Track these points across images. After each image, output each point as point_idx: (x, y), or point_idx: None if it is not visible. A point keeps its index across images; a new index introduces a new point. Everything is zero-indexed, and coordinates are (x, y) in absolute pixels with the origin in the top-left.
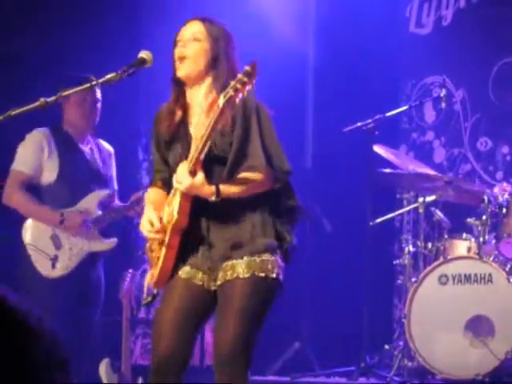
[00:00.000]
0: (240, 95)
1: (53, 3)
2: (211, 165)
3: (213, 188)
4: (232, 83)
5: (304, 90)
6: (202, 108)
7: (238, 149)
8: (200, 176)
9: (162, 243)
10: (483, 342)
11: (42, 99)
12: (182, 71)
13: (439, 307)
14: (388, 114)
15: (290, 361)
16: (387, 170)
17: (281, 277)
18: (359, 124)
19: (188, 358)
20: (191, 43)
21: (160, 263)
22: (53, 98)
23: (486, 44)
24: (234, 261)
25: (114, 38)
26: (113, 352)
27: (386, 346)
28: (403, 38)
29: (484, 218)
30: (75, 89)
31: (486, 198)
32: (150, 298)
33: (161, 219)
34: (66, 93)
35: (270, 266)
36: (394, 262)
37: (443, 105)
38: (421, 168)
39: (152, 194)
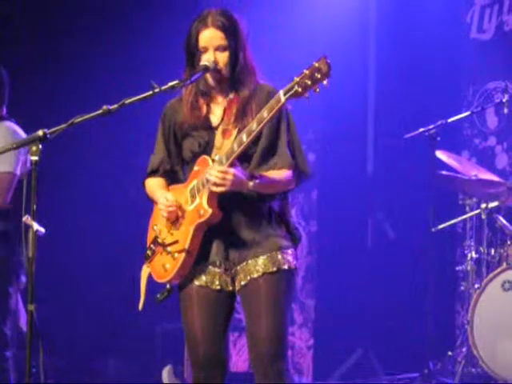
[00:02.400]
0: (307, 94)
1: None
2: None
3: (252, 179)
4: (296, 79)
5: (366, 96)
6: (223, 103)
7: (266, 147)
8: (239, 168)
9: (174, 230)
10: None
11: (104, 107)
12: (215, 81)
13: (502, 313)
14: (450, 120)
15: (353, 366)
16: (449, 174)
17: (296, 264)
18: (421, 130)
19: (226, 359)
20: (219, 53)
21: (181, 259)
22: (115, 106)
23: None
24: (253, 260)
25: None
26: (175, 358)
27: (449, 353)
28: (465, 44)
29: None
30: (139, 96)
31: None
32: (165, 293)
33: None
34: (129, 100)
35: (287, 259)
36: (457, 269)
37: (505, 110)
38: (483, 174)
39: (153, 183)
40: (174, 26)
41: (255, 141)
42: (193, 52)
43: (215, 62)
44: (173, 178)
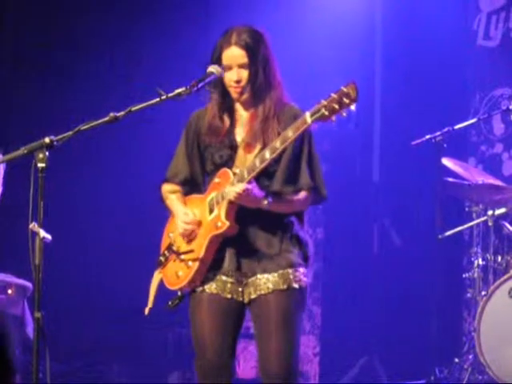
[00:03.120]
0: (334, 118)
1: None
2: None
3: (266, 197)
4: (324, 102)
5: (371, 103)
6: (247, 118)
7: (288, 167)
8: (255, 185)
9: (189, 240)
10: None
11: (111, 114)
12: (239, 95)
13: (509, 320)
14: (456, 127)
15: (358, 375)
16: (456, 180)
17: (307, 282)
18: (428, 137)
19: (233, 366)
20: (242, 71)
21: (195, 267)
22: (122, 113)
23: None
24: (265, 275)
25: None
26: (184, 363)
27: (456, 360)
28: (471, 51)
29: None
30: (145, 104)
31: None
32: (177, 301)
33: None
34: (135, 108)
35: (298, 278)
36: (464, 276)
37: None
38: (490, 181)
39: (171, 191)
40: (182, 32)
41: (277, 159)
42: None
43: (236, 89)
44: (191, 186)
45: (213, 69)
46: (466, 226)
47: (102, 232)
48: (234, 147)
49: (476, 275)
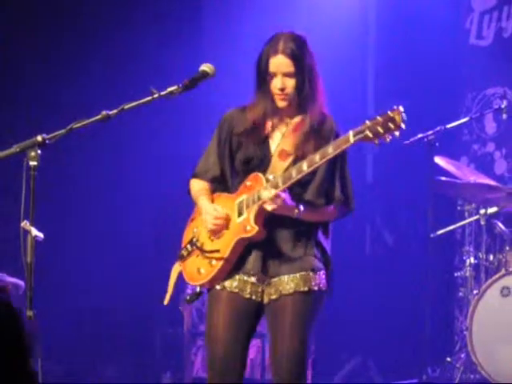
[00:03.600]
0: (377, 141)
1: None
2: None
3: (298, 207)
4: (368, 123)
5: (364, 102)
6: (288, 127)
7: (322, 179)
8: (287, 195)
9: (215, 238)
10: None
11: (103, 112)
12: (283, 103)
13: (501, 319)
14: (449, 126)
15: (351, 374)
16: (448, 179)
17: (327, 287)
18: (420, 136)
19: (244, 364)
20: (287, 80)
21: (219, 266)
22: (115, 111)
23: None
24: (285, 276)
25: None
26: (175, 364)
27: (448, 359)
28: (463, 50)
29: None
30: (137, 102)
31: None
32: (194, 296)
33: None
34: (128, 106)
35: (318, 280)
36: (456, 274)
37: (504, 116)
38: (482, 179)
39: (199, 186)
40: (175, 29)
41: (312, 173)
42: (263, 75)
43: (280, 97)
44: (218, 184)
45: (205, 67)
46: (458, 224)
47: (97, 232)
48: (267, 151)
49: (468, 274)
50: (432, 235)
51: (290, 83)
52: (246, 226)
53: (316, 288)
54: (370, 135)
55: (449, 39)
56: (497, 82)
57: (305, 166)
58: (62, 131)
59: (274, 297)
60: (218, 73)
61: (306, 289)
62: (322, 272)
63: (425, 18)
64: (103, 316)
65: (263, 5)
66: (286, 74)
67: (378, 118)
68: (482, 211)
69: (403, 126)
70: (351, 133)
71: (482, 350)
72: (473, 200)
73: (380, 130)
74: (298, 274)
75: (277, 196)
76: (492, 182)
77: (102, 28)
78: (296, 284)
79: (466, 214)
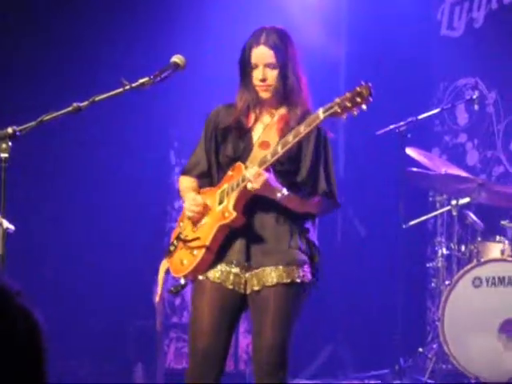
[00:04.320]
0: (345, 115)
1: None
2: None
3: (281, 190)
4: (337, 100)
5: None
6: (272, 119)
7: (306, 171)
8: (272, 175)
9: (195, 226)
10: None
11: (74, 104)
12: (266, 94)
13: (473, 310)
14: (420, 117)
15: (323, 364)
16: (420, 170)
17: (311, 279)
18: (392, 127)
19: (225, 357)
20: (269, 71)
21: (200, 255)
22: (85, 103)
23: None
24: (269, 268)
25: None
26: (147, 356)
27: (420, 349)
28: (435, 41)
29: None
30: (108, 93)
31: None
32: (179, 287)
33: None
34: (99, 97)
35: (302, 273)
36: (428, 265)
37: (476, 107)
38: (454, 170)
39: (187, 182)
40: (148, 22)
41: (296, 159)
42: (246, 68)
43: (261, 88)
44: (207, 180)
45: (176, 59)
46: (429, 215)
47: (79, 226)
48: (250, 143)
49: (440, 265)
50: (404, 226)
51: (272, 74)
52: (225, 212)
53: (299, 280)
54: (339, 110)
55: (420, 30)
56: (468, 72)
57: (279, 148)
58: (33, 123)
59: (256, 288)
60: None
61: (289, 281)
62: (306, 265)
63: (396, 9)
64: (74, 308)
65: (235, 2)
66: (267, 65)
67: (347, 93)
68: (454, 202)
69: (370, 99)
70: (321, 109)
71: (454, 341)
72: (445, 191)
73: (348, 104)
74: (281, 267)
75: (259, 174)
76: (464, 173)
77: (75, 17)
78: (279, 276)
79: (438, 204)
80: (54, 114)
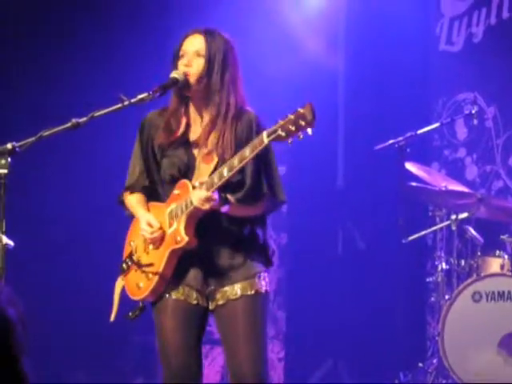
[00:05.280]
0: (291, 140)
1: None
2: None
3: (223, 202)
4: (281, 122)
5: (335, 107)
6: (202, 122)
7: (249, 179)
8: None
9: (147, 249)
10: None
11: (73, 120)
12: (192, 78)
13: (473, 325)
14: (419, 132)
15: (322, 378)
16: (419, 185)
17: (269, 288)
18: (391, 142)
19: (200, 372)
20: (195, 59)
21: (155, 280)
22: (84, 119)
23: None
24: (229, 285)
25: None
26: (147, 369)
27: (420, 364)
28: (434, 56)
29: None
30: (107, 109)
31: None
32: (137, 312)
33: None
34: (98, 113)
35: (263, 283)
36: (427, 280)
37: (475, 122)
38: (453, 185)
39: (135, 200)
40: (144, 32)
41: (237, 173)
42: (175, 62)
43: (185, 72)
44: (151, 193)
45: (176, 74)
46: (429, 230)
47: (68, 239)
48: (191, 157)
49: (440, 279)
50: (404, 241)
51: (198, 62)
52: (177, 236)
53: (263, 290)
54: (283, 134)
55: (419, 45)
56: (467, 87)
57: (225, 172)
58: (32, 139)
59: (220, 302)
60: None
61: (253, 292)
62: (265, 274)
63: (395, 24)
64: (75, 321)
65: (229, 5)
66: (196, 53)
67: (290, 116)
68: (454, 217)
69: (314, 122)
70: (265, 133)
71: (454, 355)
72: (444, 206)
73: (292, 128)
74: (242, 282)
75: (208, 198)
76: (463, 188)
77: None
78: (243, 288)
79: (438, 219)
80: (54, 130)
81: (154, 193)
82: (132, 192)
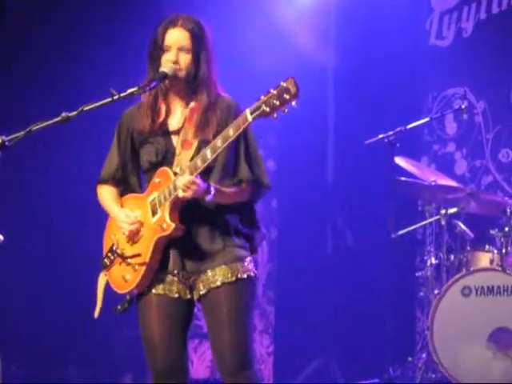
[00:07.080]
0: (275, 114)
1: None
2: None
3: (209, 189)
4: (263, 98)
5: (325, 102)
6: (183, 111)
7: (225, 161)
8: (199, 178)
9: (134, 242)
10: (506, 354)
11: (63, 114)
12: (181, 72)
13: (462, 319)
14: (409, 126)
15: (312, 374)
16: (408, 180)
17: (256, 272)
18: (381, 136)
19: (186, 366)
20: (181, 55)
21: (142, 271)
22: (74, 113)
23: (507, 55)
24: (210, 271)
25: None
26: (136, 365)
27: (409, 359)
28: (424, 51)
29: (506, 229)
30: (97, 103)
31: (508, 209)
32: (125, 305)
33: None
34: (87, 107)
35: (245, 268)
36: (417, 274)
37: (464, 116)
38: (442, 180)
39: (107, 193)
40: (136, 28)
41: (218, 158)
42: (157, 53)
43: (175, 68)
44: (125, 186)
45: (165, 69)
46: (419, 224)
47: (55, 233)
48: (170, 143)
49: (429, 274)
50: (393, 235)
51: (185, 58)
52: (162, 224)
53: (245, 276)
54: (268, 110)
55: (409, 40)
56: (457, 82)
57: (208, 154)
58: (22, 133)
59: (202, 292)
60: None
61: (234, 279)
62: (249, 259)
63: (385, 19)
64: (63, 317)
65: (221, 5)
66: (181, 49)
67: (272, 90)
68: (443, 211)
69: (298, 94)
70: (248, 111)
71: (443, 350)
72: (433, 200)
73: (276, 102)
74: (223, 267)
75: (192, 182)
76: (452, 183)
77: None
78: (223, 276)
79: (427, 214)
80: (43, 124)
81: (128, 186)
82: (105, 183)
